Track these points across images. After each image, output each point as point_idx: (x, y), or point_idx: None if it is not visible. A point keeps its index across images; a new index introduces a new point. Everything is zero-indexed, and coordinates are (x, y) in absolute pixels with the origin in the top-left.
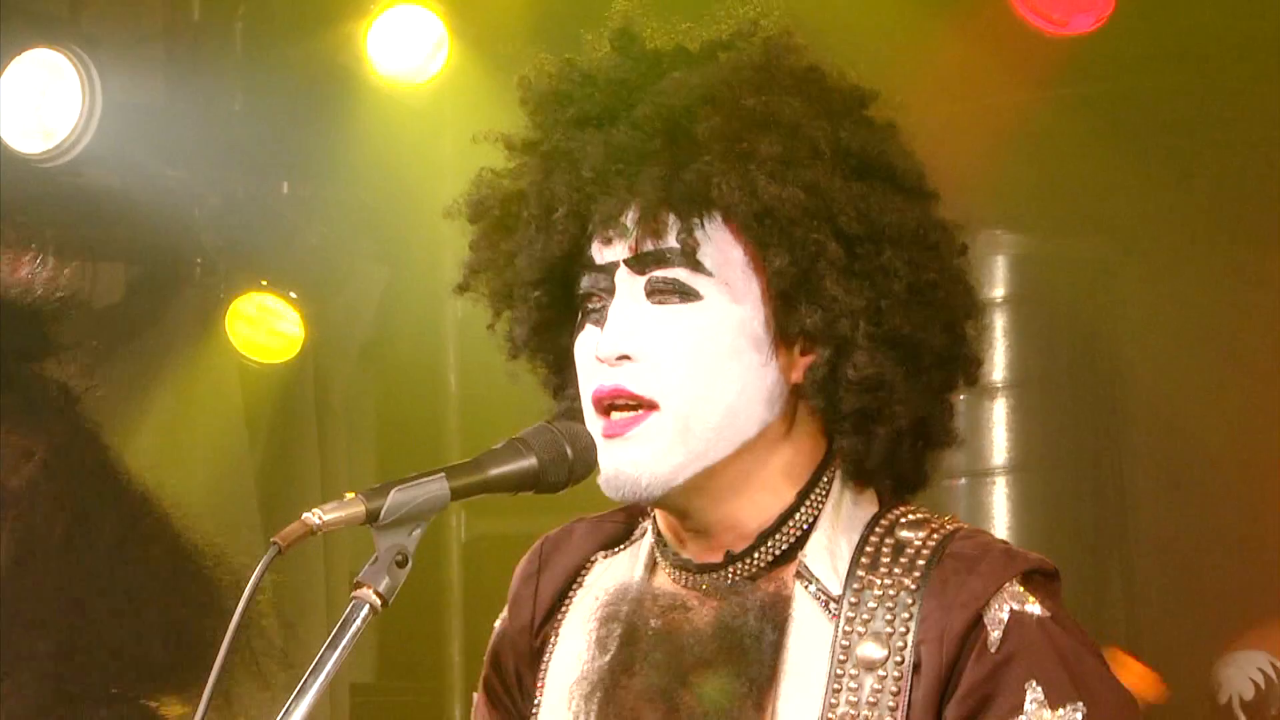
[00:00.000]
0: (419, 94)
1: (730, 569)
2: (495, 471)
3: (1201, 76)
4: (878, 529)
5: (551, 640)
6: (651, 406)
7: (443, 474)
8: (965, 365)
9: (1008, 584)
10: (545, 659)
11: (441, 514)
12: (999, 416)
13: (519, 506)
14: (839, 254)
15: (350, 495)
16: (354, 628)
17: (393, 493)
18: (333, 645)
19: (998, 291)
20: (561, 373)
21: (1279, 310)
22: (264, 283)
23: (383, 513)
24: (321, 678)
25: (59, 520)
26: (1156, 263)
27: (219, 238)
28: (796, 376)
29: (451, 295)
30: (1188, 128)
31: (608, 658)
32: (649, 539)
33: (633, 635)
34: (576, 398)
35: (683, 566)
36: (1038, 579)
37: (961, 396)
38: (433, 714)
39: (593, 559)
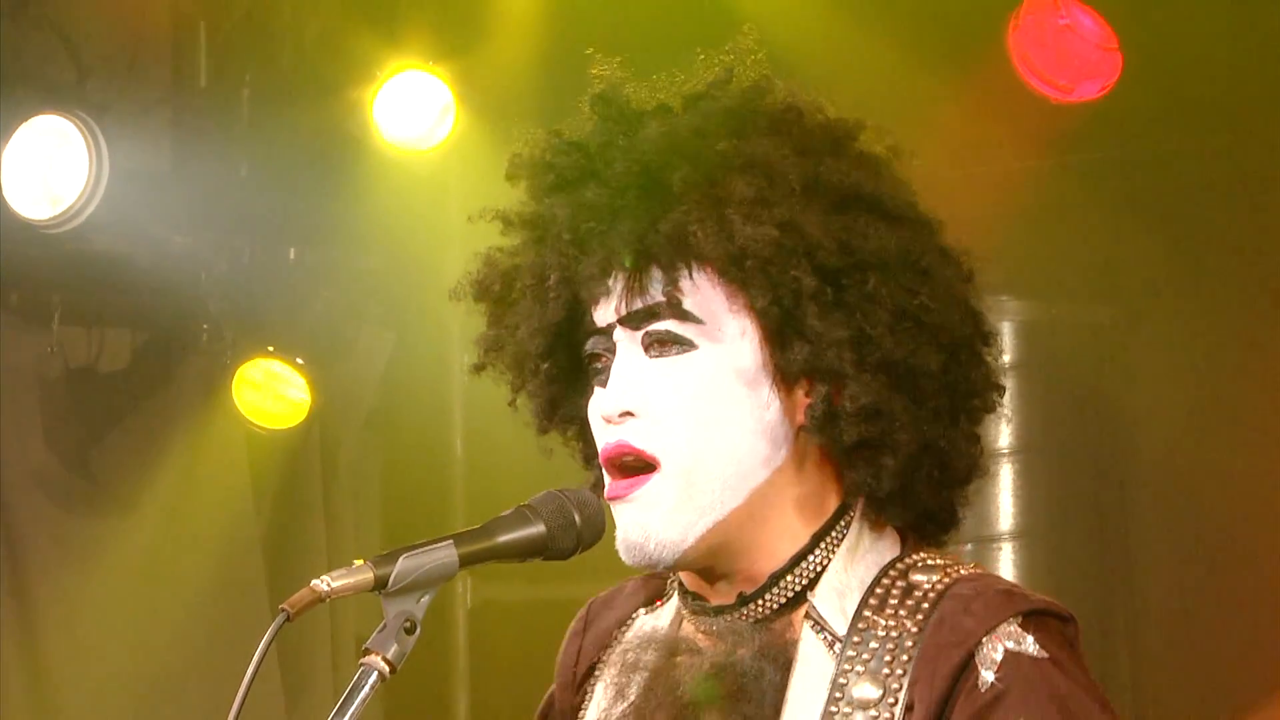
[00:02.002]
0: (425, 160)
1: (741, 611)
2: (504, 538)
3: (1208, 142)
4: (892, 572)
5: (588, 695)
6: (652, 466)
7: (451, 541)
8: (980, 391)
9: (1003, 624)
10: (583, 711)
11: (449, 581)
12: (1005, 483)
13: (526, 573)
14: (817, 288)
15: (359, 562)
16: (362, 694)
17: (401, 559)
18: (340, 712)
19: (1004, 358)
20: (590, 441)
21: None
22: (270, 349)
23: (391, 580)
24: None
25: None
26: (1164, 329)
27: (225, 304)
28: (801, 417)
29: (459, 361)
30: (1195, 194)
31: (625, 704)
32: (676, 591)
33: (652, 683)
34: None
35: (699, 611)
36: (1049, 622)
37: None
38: None
39: (635, 614)
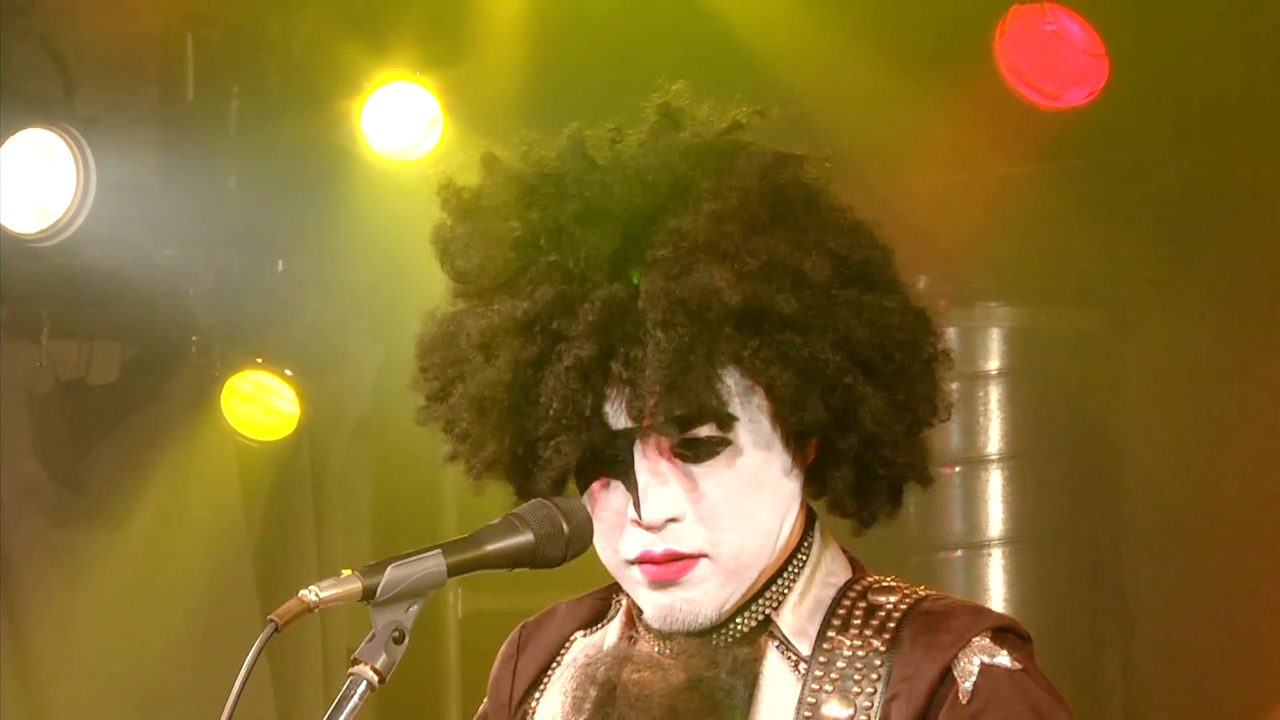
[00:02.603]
0: (413, 171)
1: (711, 636)
2: (492, 547)
3: (1196, 148)
4: (851, 594)
5: (530, 716)
6: (701, 556)
7: (439, 550)
8: (935, 407)
9: (977, 638)
10: None
11: (439, 590)
12: (995, 489)
13: (516, 582)
14: (875, 396)
15: (347, 572)
16: (351, 704)
17: (390, 569)
18: None
19: (992, 364)
20: (524, 489)
21: (1278, 382)
22: (259, 360)
23: (380, 589)
24: None
25: None
26: (1152, 335)
27: (214, 316)
28: (809, 457)
29: None
30: (1182, 199)
31: (582, 717)
32: (623, 610)
33: (609, 696)
34: (512, 458)
35: (666, 636)
36: (1009, 637)
37: (956, 469)
38: None
39: (573, 638)
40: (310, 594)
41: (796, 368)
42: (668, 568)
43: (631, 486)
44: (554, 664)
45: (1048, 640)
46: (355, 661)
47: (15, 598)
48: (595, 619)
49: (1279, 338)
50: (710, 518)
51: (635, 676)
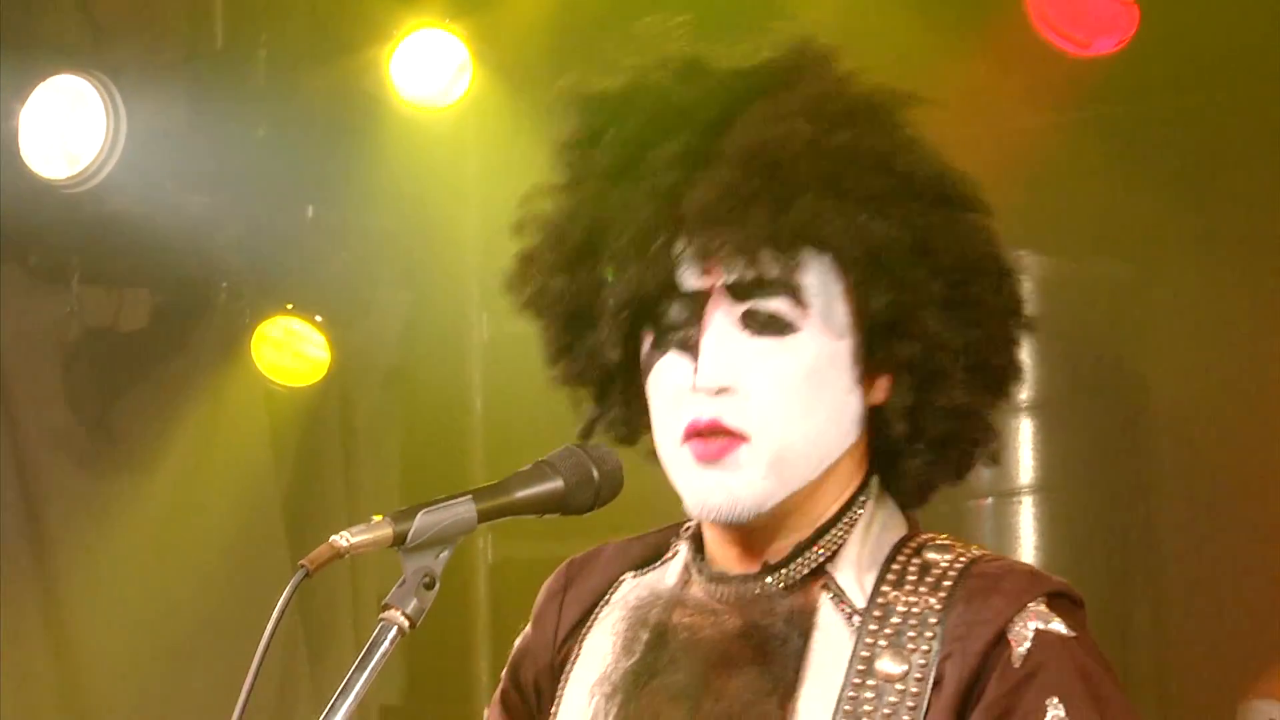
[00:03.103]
0: (442, 118)
1: (765, 580)
2: (522, 494)
3: (1225, 97)
4: (905, 550)
5: (575, 653)
6: (742, 438)
7: (470, 496)
8: (1015, 381)
9: (1032, 602)
10: (567, 670)
11: (469, 536)
12: (1025, 436)
13: (546, 529)
14: (941, 291)
15: (378, 518)
16: (382, 650)
17: (420, 515)
18: (360, 667)
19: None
20: (602, 385)
21: None
22: (289, 307)
23: (410, 535)
24: (349, 700)
25: None
26: (1180, 284)
27: (244, 263)
28: (876, 398)
29: (477, 319)
30: (1211, 148)
31: (632, 660)
32: (683, 555)
33: (660, 639)
34: (627, 412)
35: (717, 579)
36: (1063, 602)
37: None
38: None
39: (621, 578)
40: (341, 539)
41: (864, 245)
42: (710, 445)
43: (695, 353)
44: (601, 603)
45: (1078, 586)
46: (385, 607)
47: (45, 545)
48: (646, 561)
49: None
50: (762, 397)
51: (687, 620)
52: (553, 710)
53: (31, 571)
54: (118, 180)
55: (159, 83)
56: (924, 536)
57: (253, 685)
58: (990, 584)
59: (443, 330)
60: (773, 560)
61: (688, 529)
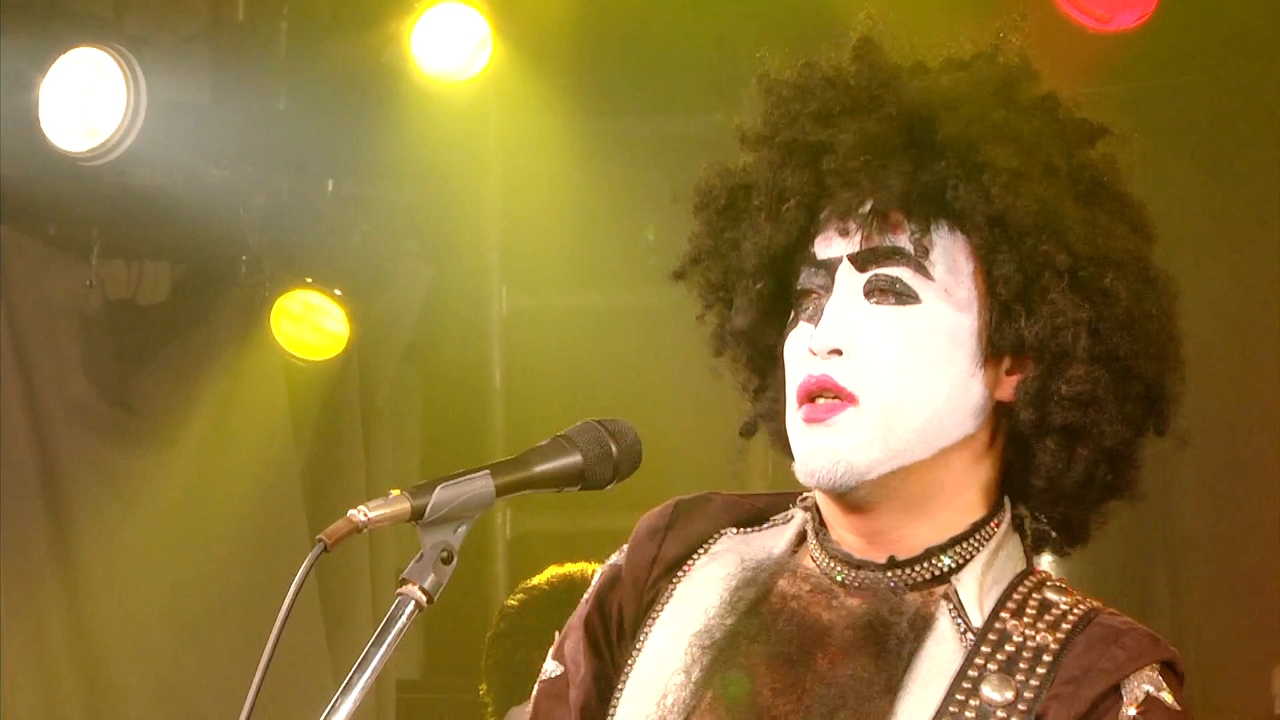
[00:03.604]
0: (463, 92)
1: (891, 573)
2: (540, 469)
3: (1244, 71)
4: (1027, 583)
5: (665, 595)
6: (851, 400)
7: (488, 471)
8: (1162, 411)
9: (1149, 666)
10: (655, 614)
11: (487, 511)
12: None
13: (565, 504)
14: (1067, 265)
15: (396, 492)
16: (399, 624)
17: (438, 490)
18: (378, 642)
19: None
20: (762, 373)
21: None
22: (309, 280)
23: (428, 510)
24: (367, 674)
25: None
26: (1203, 259)
27: (264, 236)
28: (1003, 394)
29: (497, 293)
30: (1231, 124)
31: (734, 620)
32: (798, 520)
33: (764, 605)
34: (777, 399)
35: (840, 558)
36: (1173, 675)
37: None
38: (478, 710)
39: (723, 532)
40: (359, 514)
41: (997, 212)
42: (817, 407)
43: (819, 319)
44: (700, 550)
45: (1095, 564)
46: (403, 582)
47: (65, 516)
48: (751, 520)
49: None
50: (874, 360)
51: (798, 591)
52: (637, 646)
53: (51, 542)
54: (138, 153)
55: (180, 56)
56: (1042, 574)
57: (270, 658)
58: (1112, 636)
59: (462, 304)
60: (901, 556)
61: (804, 498)
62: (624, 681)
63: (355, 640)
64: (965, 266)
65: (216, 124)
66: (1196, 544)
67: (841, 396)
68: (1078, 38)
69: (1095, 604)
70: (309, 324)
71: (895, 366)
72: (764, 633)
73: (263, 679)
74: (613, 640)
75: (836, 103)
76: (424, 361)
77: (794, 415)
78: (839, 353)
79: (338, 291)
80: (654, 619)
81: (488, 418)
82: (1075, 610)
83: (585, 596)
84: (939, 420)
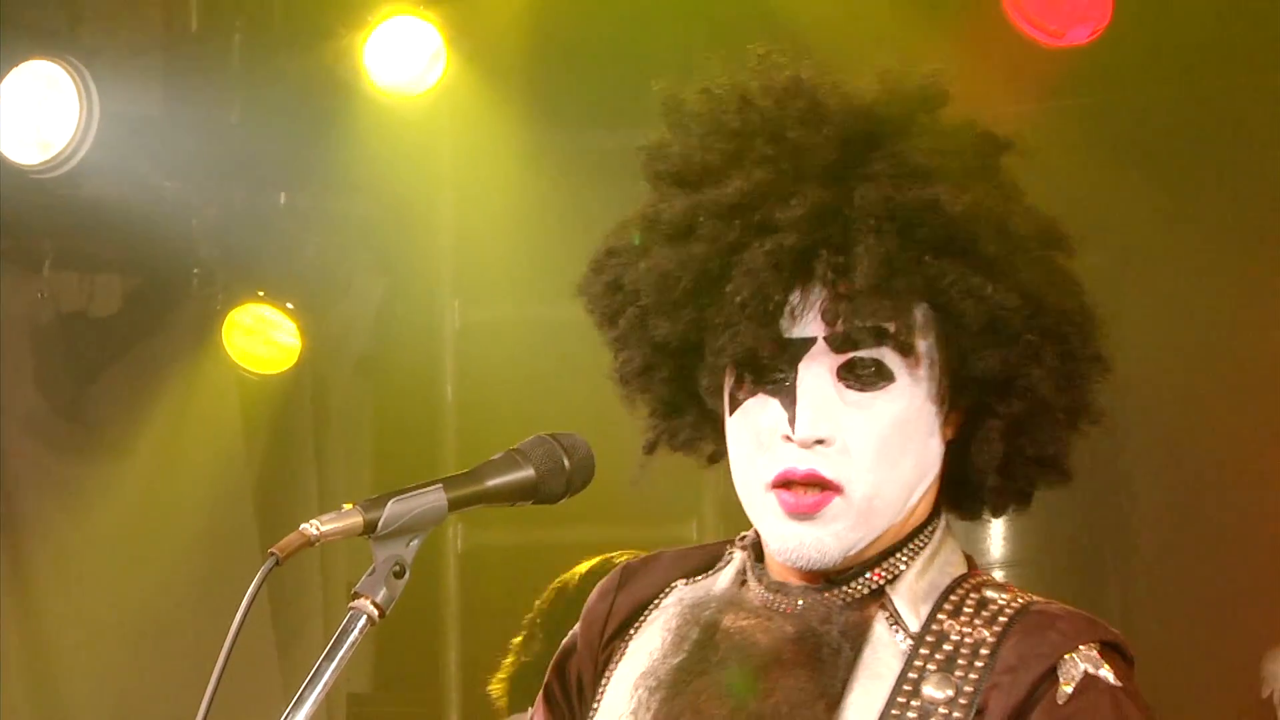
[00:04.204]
0: (416, 105)
1: (825, 594)
2: (493, 482)
3: (1199, 86)
4: (965, 584)
5: (620, 652)
6: (837, 490)
7: (440, 485)
8: (1092, 419)
9: (1085, 645)
10: (610, 667)
11: (439, 525)
12: None
13: (517, 518)
14: (1052, 355)
15: (348, 506)
16: (351, 638)
17: (390, 504)
18: (330, 656)
19: None
20: (669, 419)
21: (1278, 319)
22: (261, 294)
23: (380, 524)
24: (319, 688)
25: None
26: (1155, 273)
27: (216, 249)
28: (948, 434)
29: (449, 306)
30: (1185, 138)
31: (680, 658)
32: (738, 559)
33: (710, 639)
34: (697, 429)
35: (777, 589)
36: (1116, 654)
37: None
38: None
39: (674, 584)
40: (311, 528)
41: (985, 310)
42: (803, 499)
43: (790, 401)
44: (651, 607)
45: (1048, 569)
46: (355, 595)
47: (16, 528)
48: (700, 570)
49: None
50: (858, 450)
51: (741, 623)
52: (594, 705)
53: (3, 553)
54: (90, 166)
55: (132, 68)
56: (983, 576)
57: (222, 672)
58: (1047, 621)
59: (415, 317)
60: (834, 576)
61: (744, 538)
62: None
63: (307, 654)
64: (931, 341)
65: (169, 136)
66: (1149, 550)
67: (828, 488)
68: (1031, 52)
69: (1034, 597)
70: (261, 337)
71: (878, 454)
72: (711, 667)
73: (215, 692)
74: (573, 704)
75: (792, 169)
76: (376, 374)
77: (764, 496)
78: (822, 442)
79: (290, 305)
80: (609, 676)
81: (440, 431)
82: (1013, 605)
83: (550, 666)
84: (910, 491)
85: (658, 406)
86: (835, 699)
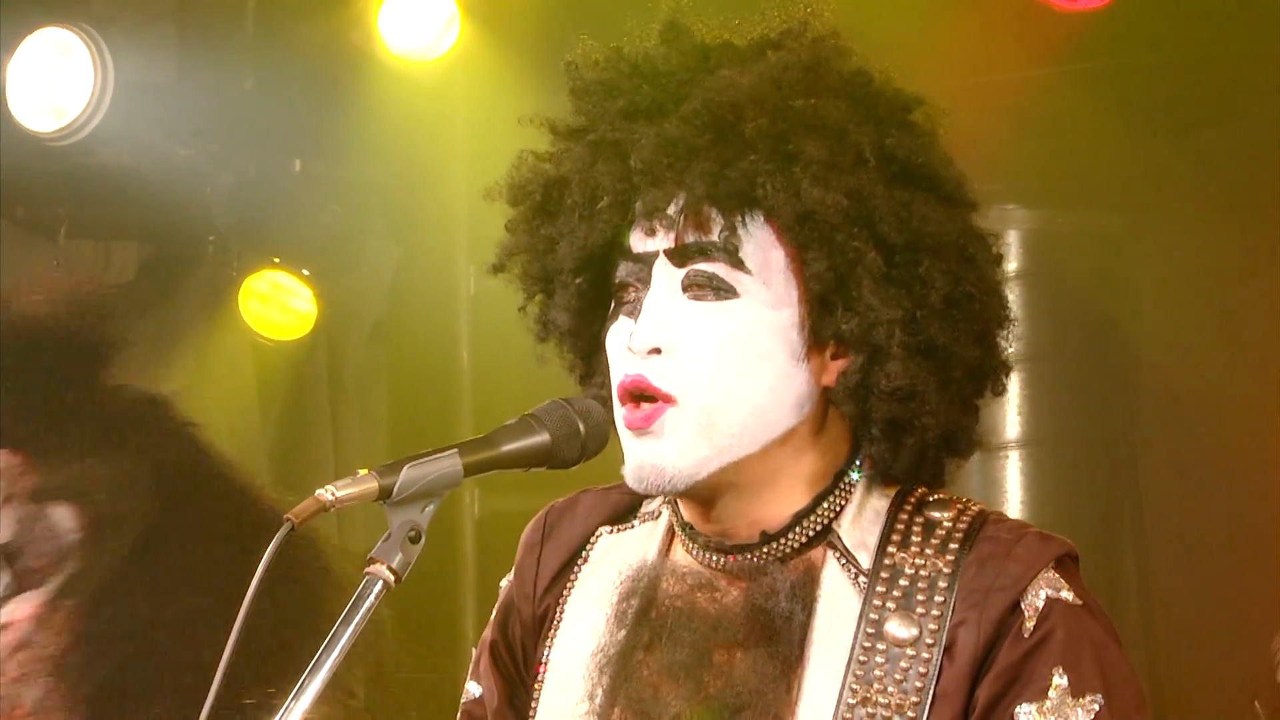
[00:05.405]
0: (430, 72)
1: (763, 549)
2: (508, 448)
3: (1212, 51)
4: (906, 507)
5: (555, 612)
6: (670, 400)
7: (456, 450)
8: (995, 376)
9: (1044, 570)
10: (550, 633)
11: (455, 491)
12: (1011, 390)
13: (533, 483)
14: (878, 262)
15: (363, 472)
16: (367, 603)
17: (406, 469)
18: (346, 620)
19: (1010, 266)
20: (588, 360)
21: None
22: (276, 260)
23: (396, 489)
24: (335, 653)
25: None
26: (1168, 237)
27: (231, 216)
28: (828, 380)
29: (465, 272)
30: (1198, 102)
31: (624, 633)
32: (665, 517)
33: (652, 611)
34: (604, 386)
35: (712, 547)
36: (1069, 565)
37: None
38: (446, 689)
39: (599, 533)
40: (326, 493)
41: (806, 208)
42: (636, 412)
43: (638, 315)
44: (579, 559)
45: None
46: (371, 561)
47: None
48: (622, 515)
49: None
50: (693, 358)
51: (680, 590)
52: (540, 675)
53: None
54: (105, 133)
55: (147, 35)
56: (919, 492)
57: (239, 635)
58: (1003, 550)
59: (430, 284)
60: (771, 529)
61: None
62: (534, 714)
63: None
64: (780, 258)
65: (183, 103)
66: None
67: (659, 398)
68: (1046, 16)
69: (975, 509)
70: (277, 304)
71: (714, 364)
72: (656, 640)
73: (230, 658)
74: (519, 661)
75: (643, 96)
76: (391, 341)
77: (618, 415)
78: (658, 351)
79: (305, 271)
80: (550, 642)
81: (455, 397)
82: (960, 525)
83: (491, 617)
84: (762, 414)
85: (570, 355)
86: (794, 667)
